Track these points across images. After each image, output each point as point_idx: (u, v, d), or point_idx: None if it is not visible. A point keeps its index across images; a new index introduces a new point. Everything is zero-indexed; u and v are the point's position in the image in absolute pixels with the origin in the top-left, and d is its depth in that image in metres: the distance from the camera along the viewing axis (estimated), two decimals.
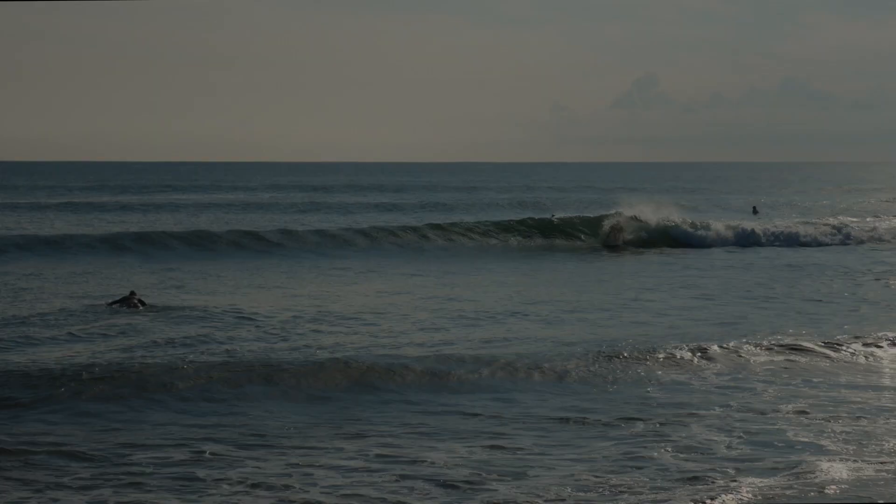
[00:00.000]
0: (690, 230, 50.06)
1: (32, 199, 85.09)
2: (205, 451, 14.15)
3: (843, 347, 21.44)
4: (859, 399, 17.62)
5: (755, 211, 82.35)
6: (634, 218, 50.85)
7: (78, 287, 30.66)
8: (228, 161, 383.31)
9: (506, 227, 49.78)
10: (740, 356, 20.68)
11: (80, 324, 23.74)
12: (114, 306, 26.16)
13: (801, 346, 21.47)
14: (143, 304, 26.34)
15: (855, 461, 13.86)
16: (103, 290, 29.41)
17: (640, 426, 15.65)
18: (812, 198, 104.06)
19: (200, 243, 42.21)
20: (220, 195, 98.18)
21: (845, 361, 20.61)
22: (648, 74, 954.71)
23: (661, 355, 20.33)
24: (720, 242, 48.76)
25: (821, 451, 14.35)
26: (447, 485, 12.89)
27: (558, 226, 50.45)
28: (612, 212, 51.86)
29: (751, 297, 29.85)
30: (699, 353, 20.57)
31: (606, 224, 49.44)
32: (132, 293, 26.73)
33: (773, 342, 21.74)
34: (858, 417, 16.27)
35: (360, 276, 34.85)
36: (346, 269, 36.86)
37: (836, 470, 13.42)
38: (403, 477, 13.18)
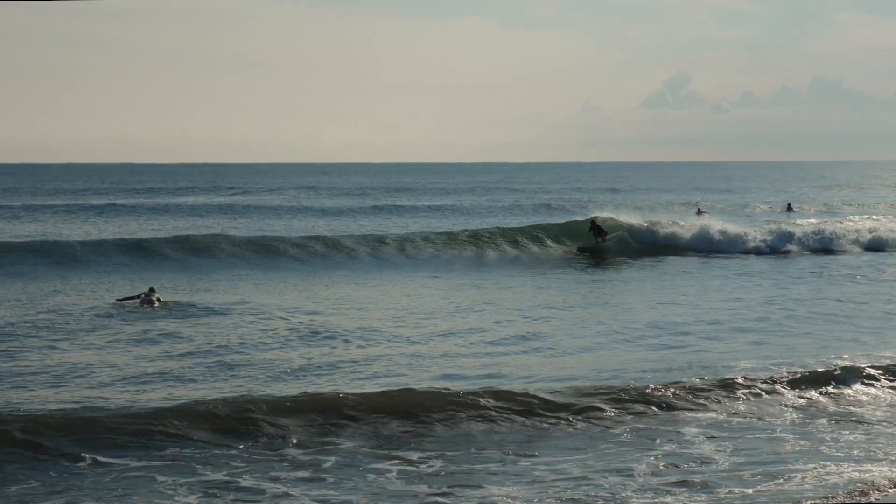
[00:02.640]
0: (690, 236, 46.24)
1: (59, 201, 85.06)
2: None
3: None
4: None
5: (790, 208, 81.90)
6: (620, 226, 47.31)
7: (95, 292, 30.42)
8: (257, 163, 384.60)
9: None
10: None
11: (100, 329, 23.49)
12: (125, 303, 26.17)
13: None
14: (160, 301, 26.25)
15: None
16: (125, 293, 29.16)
17: None
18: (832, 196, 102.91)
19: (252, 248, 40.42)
20: (258, 198, 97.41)
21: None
22: (679, 74, 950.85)
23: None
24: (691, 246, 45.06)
25: None
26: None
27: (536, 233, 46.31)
28: (592, 215, 48.47)
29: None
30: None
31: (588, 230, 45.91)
32: (151, 289, 26.75)
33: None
34: None
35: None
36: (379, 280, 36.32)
37: None
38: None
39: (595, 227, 45.64)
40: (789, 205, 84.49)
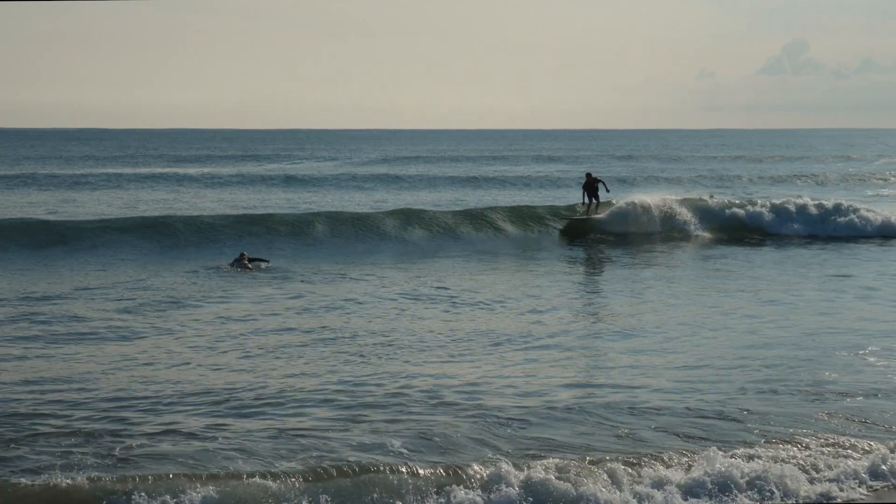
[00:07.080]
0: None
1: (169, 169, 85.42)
2: None
3: None
4: None
5: None
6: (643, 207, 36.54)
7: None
8: (369, 128, 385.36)
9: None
10: None
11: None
12: (227, 268, 26.58)
13: None
14: (253, 260, 26.99)
15: None
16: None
17: None
18: None
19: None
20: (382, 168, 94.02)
21: None
22: (798, 40, 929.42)
23: None
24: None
25: None
26: None
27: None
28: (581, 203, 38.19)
29: None
30: None
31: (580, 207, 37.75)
32: (242, 254, 27.28)
33: None
34: None
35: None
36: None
37: None
38: None
39: (589, 184, 36.67)
40: None
